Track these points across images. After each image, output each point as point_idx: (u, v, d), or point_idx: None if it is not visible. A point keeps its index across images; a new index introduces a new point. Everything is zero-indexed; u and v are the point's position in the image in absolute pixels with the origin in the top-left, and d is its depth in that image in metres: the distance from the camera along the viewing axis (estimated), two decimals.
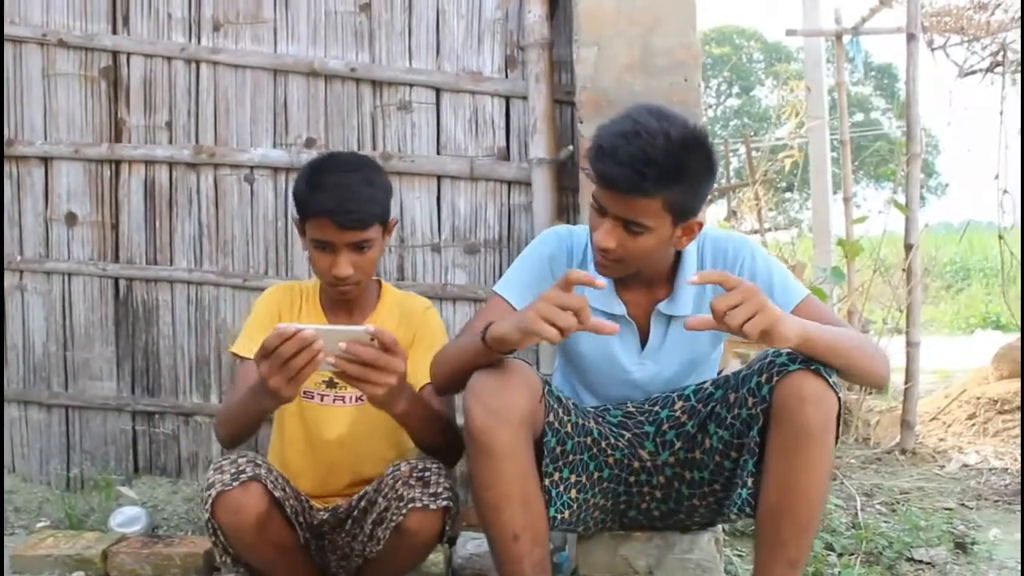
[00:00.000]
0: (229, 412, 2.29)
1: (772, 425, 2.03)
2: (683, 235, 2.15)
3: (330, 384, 2.45)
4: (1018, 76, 5.47)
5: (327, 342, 1.92)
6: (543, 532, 2.08)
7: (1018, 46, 5.64)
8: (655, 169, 1.99)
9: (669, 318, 2.29)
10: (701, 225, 2.18)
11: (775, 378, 2.02)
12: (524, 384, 2.05)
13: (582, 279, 1.90)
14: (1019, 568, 2.98)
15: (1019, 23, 5.53)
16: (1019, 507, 3.67)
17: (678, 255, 2.28)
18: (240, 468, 2.15)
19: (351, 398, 2.46)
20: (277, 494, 2.18)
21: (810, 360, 2.00)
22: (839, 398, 2.01)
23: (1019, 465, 4.19)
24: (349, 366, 1.94)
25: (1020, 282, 5.09)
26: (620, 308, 2.27)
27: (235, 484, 2.12)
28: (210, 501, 2.13)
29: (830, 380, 1.99)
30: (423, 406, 2.23)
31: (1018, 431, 4.62)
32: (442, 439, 2.29)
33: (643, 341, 2.32)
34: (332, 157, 2.46)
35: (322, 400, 2.46)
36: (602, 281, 1.92)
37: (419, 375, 2.33)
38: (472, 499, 2.10)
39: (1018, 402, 4.80)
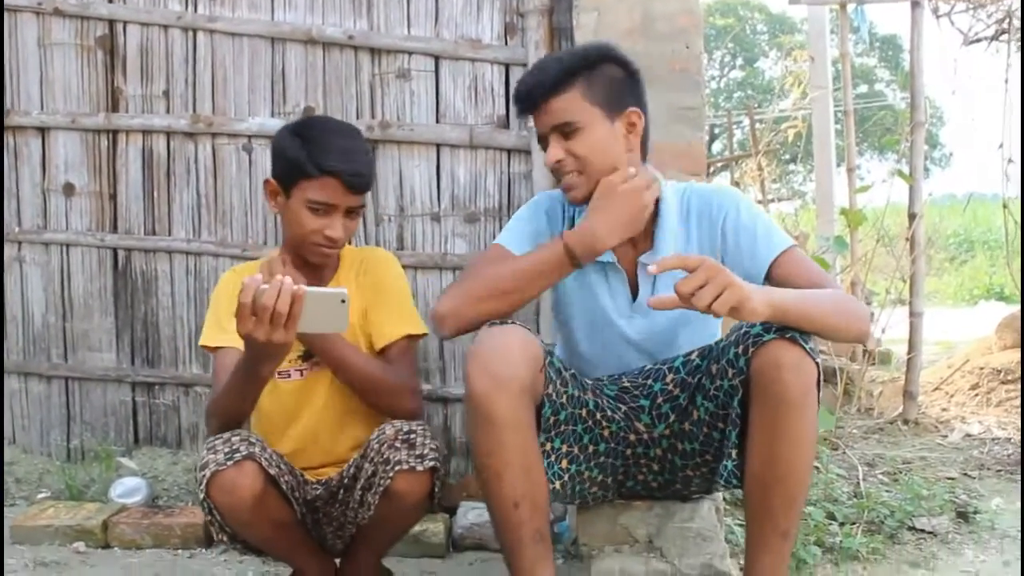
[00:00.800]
0: (221, 400, 2.24)
1: (752, 396, 2.01)
2: (628, 131, 2.20)
3: (305, 357, 2.43)
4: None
5: (334, 302, 1.93)
6: (543, 500, 2.07)
7: None
8: (555, 65, 2.19)
9: None
10: (640, 116, 2.22)
11: (751, 348, 2.00)
12: (527, 352, 2.03)
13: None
14: (1020, 537, 2.98)
15: None
16: (1020, 477, 3.66)
17: (658, 206, 2.25)
18: (234, 447, 2.13)
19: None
20: (272, 471, 2.16)
21: (785, 328, 1.98)
22: (817, 364, 1.99)
23: (1021, 435, 4.18)
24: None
25: (1020, 253, 5.06)
26: (609, 254, 2.25)
27: (229, 463, 2.10)
28: (204, 481, 2.11)
29: (807, 347, 1.96)
30: (352, 358, 2.33)
31: (1020, 401, 4.60)
32: (385, 403, 2.35)
33: (634, 295, 2.31)
34: (324, 120, 2.48)
35: (302, 375, 2.44)
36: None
37: (380, 333, 2.39)
38: (474, 465, 2.09)
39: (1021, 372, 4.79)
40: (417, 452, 2.16)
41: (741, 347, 2.02)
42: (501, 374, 1.98)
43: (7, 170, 3.54)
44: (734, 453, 2.09)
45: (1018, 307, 5.63)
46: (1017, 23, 5.45)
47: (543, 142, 2.21)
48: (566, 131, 2.15)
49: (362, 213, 2.42)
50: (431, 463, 2.17)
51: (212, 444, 2.16)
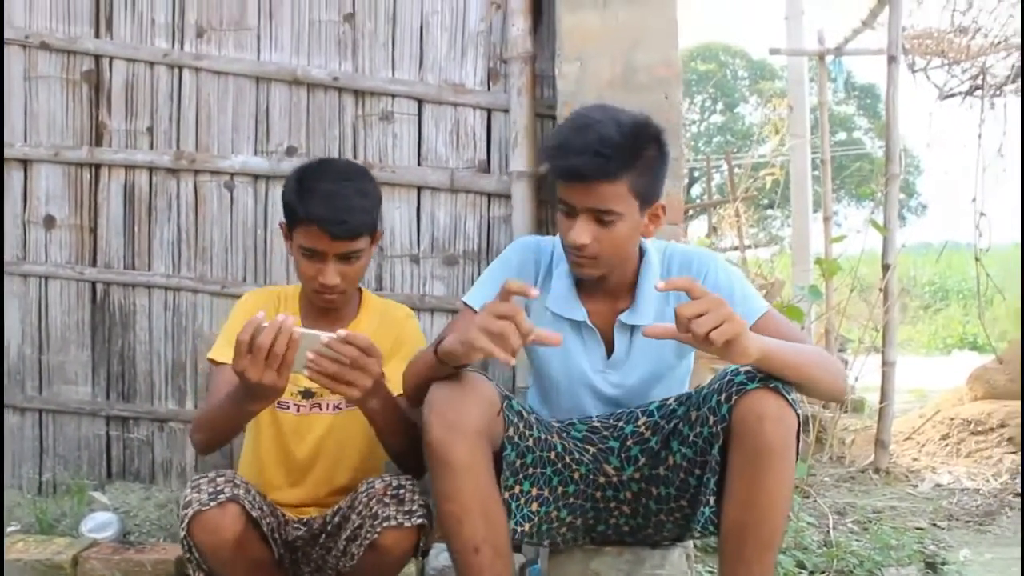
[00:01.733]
0: (208, 418, 2.27)
1: (732, 444, 2.04)
2: (650, 222, 2.20)
3: (306, 395, 2.45)
4: (996, 100, 5.52)
5: (305, 345, 1.94)
6: (504, 544, 2.09)
7: (997, 71, 5.70)
8: (614, 150, 2.06)
9: (632, 328, 2.30)
10: (664, 209, 2.23)
11: (734, 396, 2.03)
12: (480, 397, 2.06)
13: (517, 289, 1.92)
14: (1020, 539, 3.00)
15: (998, 49, 5.59)
16: (990, 528, 3.69)
17: (639, 264, 2.29)
18: (218, 488, 2.14)
19: (328, 406, 2.46)
20: (255, 513, 2.17)
21: (769, 378, 2.01)
22: (798, 415, 2.03)
23: (991, 486, 4.22)
24: (328, 364, 1.96)
25: (1020, 298, 5.13)
26: (581, 314, 2.29)
27: (212, 504, 2.11)
28: (187, 520, 2.12)
29: (789, 397, 2.01)
30: (395, 408, 2.24)
31: (990, 452, 4.65)
32: (410, 445, 2.28)
33: (608, 352, 2.33)
34: (325, 163, 2.45)
35: (298, 411, 2.46)
36: (536, 291, 1.94)
37: (397, 383, 2.33)
38: (435, 510, 2.11)
39: (991, 423, 4.84)
40: (405, 508, 2.17)
41: (724, 395, 2.05)
42: (456, 420, 2.01)
43: None
44: (712, 500, 2.11)
45: (989, 358, 5.69)
46: (991, 79, 5.56)
47: (569, 211, 2.14)
48: (603, 218, 2.11)
49: (367, 256, 2.40)
50: (419, 520, 2.18)
51: (196, 483, 2.17)
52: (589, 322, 2.30)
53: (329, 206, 2.26)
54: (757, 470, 2.00)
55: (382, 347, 2.35)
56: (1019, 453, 4.41)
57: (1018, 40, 5.58)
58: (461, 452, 2.00)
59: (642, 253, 2.30)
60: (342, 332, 1.96)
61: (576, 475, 2.27)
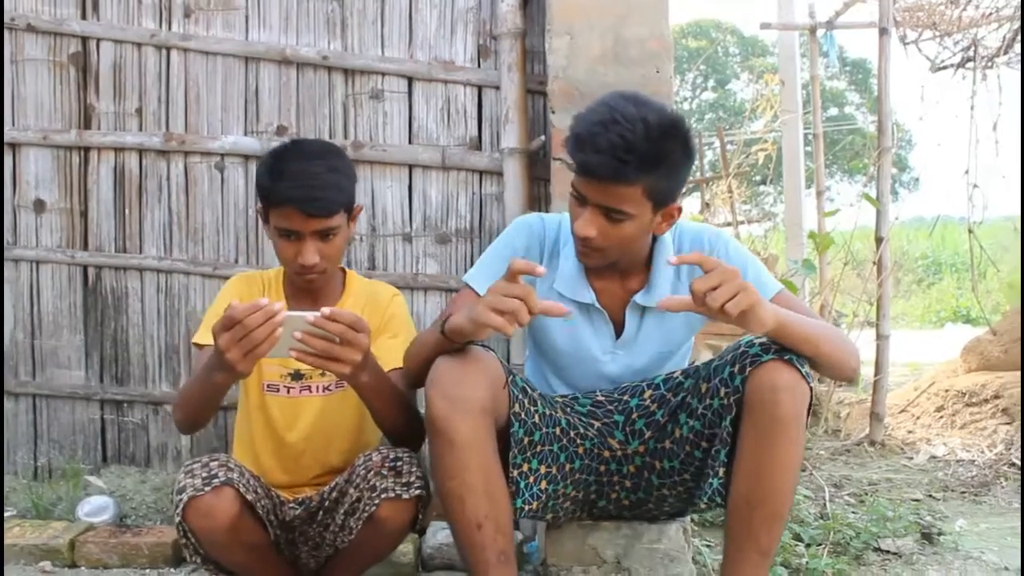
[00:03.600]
0: (185, 394, 2.27)
1: (745, 415, 2.04)
2: (663, 221, 2.16)
3: (295, 376, 2.44)
4: (988, 72, 5.50)
5: (290, 327, 1.93)
6: (506, 521, 2.09)
7: (988, 43, 5.69)
8: (635, 156, 2.00)
9: (643, 309, 2.29)
10: (680, 210, 2.19)
11: (748, 368, 2.03)
12: (485, 373, 2.05)
13: (524, 268, 1.91)
14: (984, 558, 3.01)
15: (989, 20, 5.57)
16: (985, 499, 3.71)
17: (653, 244, 2.28)
18: (212, 472, 2.14)
19: (319, 388, 2.46)
20: (249, 497, 2.17)
21: (783, 350, 2.01)
22: (811, 388, 2.03)
23: (986, 457, 4.23)
24: (316, 343, 1.95)
25: (1020, 273, 5.13)
26: (590, 296, 2.27)
27: (207, 489, 2.11)
28: (181, 505, 2.12)
29: (803, 370, 2.01)
30: (388, 384, 2.23)
31: (985, 424, 4.66)
32: (405, 421, 2.28)
33: (617, 332, 2.32)
34: (295, 144, 2.42)
35: (288, 392, 2.45)
36: (542, 269, 1.93)
37: (386, 360, 2.33)
38: (437, 488, 2.10)
39: (986, 395, 4.85)
40: (403, 480, 2.18)
41: (737, 366, 2.05)
42: (459, 396, 2.00)
43: None
44: (721, 471, 2.11)
45: (982, 330, 5.70)
46: (983, 51, 5.54)
47: (580, 200, 2.11)
48: (612, 216, 2.08)
49: (345, 233, 2.38)
50: (417, 492, 2.18)
51: (190, 468, 2.17)
52: (598, 304, 2.28)
53: (301, 185, 2.25)
54: (769, 442, 2.00)
55: (370, 325, 2.36)
56: (1016, 424, 4.42)
57: (1009, 11, 5.57)
58: (465, 429, 1.99)
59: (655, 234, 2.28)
60: (326, 310, 1.95)
61: (581, 450, 2.26)
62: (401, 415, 2.27)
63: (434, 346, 2.10)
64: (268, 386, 2.44)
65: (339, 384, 2.40)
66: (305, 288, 2.43)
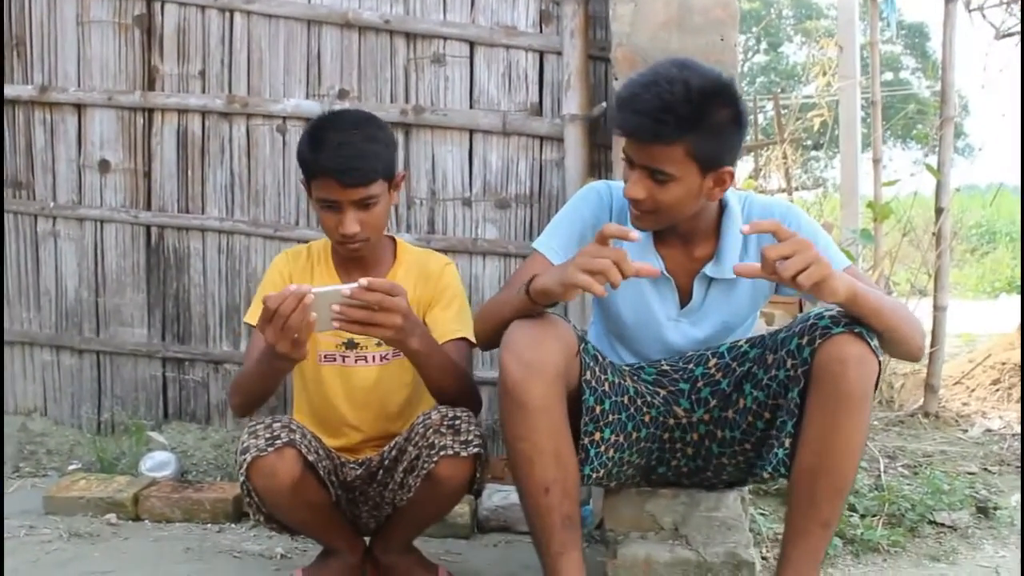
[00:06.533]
0: (242, 381, 2.32)
1: (812, 387, 2.04)
2: (715, 186, 2.14)
3: (350, 345, 2.45)
4: None
5: (326, 302, 1.98)
6: (573, 486, 2.10)
7: None
8: (672, 116, 2.00)
9: (710, 280, 2.29)
10: (732, 175, 2.16)
11: (817, 340, 2.02)
12: (559, 338, 2.06)
13: (617, 232, 1.93)
14: (1020, 527, 3.00)
15: None
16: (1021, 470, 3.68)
17: (721, 213, 2.27)
18: (275, 433, 2.18)
19: (374, 357, 2.47)
20: (311, 457, 2.21)
21: (853, 323, 2.00)
22: (880, 362, 2.02)
23: (1020, 429, 4.20)
24: (355, 312, 2.00)
25: (1020, 244, 5.06)
26: (658, 263, 2.27)
27: (270, 450, 2.15)
28: (245, 465, 2.17)
29: (872, 344, 2.00)
30: (438, 350, 2.26)
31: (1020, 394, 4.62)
32: (458, 390, 2.30)
33: (683, 301, 2.32)
34: (333, 115, 2.43)
35: (344, 362, 2.47)
36: (637, 234, 1.95)
37: (441, 331, 2.36)
38: (506, 451, 2.12)
39: None
40: (462, 438, 2.20)
41: (806, 338, 2.05)
42: (534, 361, 2.02)
43: (44, 146, 3.58)
44: (787, 442, 2.11)
45: None
46: None
47: (629, 163, 2.12)
48: (657, 177, 2.07)
49: (386, 202, 2.38)
50: (475, 449, 2.21)
51: (254, 428, 2.20)
52: (666, 272, 2.28)
53: (337, 155, 2.27)
54: (836, 415, 2.00)
55: (422, 297, 2.38)
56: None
57: None
58: (538, 393, 2.01)
59: (724, 205, 2.27)
60: (363, 281, 1.99)
61: (647, 418, 2.27)
62: (454, 384, 2.29)
63: (516, 308, 2.11)
64: (325, 356, 2.47)
65: (396, 353, 2.41)
66: (352, 258, 2.44)
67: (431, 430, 2.21)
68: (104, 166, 3.56)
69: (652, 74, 2.05)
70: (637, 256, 2.24)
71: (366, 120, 2.40)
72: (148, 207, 3.56)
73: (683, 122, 2.01)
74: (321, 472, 2.26)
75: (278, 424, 2.22)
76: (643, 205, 2.12)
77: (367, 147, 2.31)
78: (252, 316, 2.44)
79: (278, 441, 2.17)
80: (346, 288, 2.00)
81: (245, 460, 2.17)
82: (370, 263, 2.47)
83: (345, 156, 2.27)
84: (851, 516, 3.00)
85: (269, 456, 2.15)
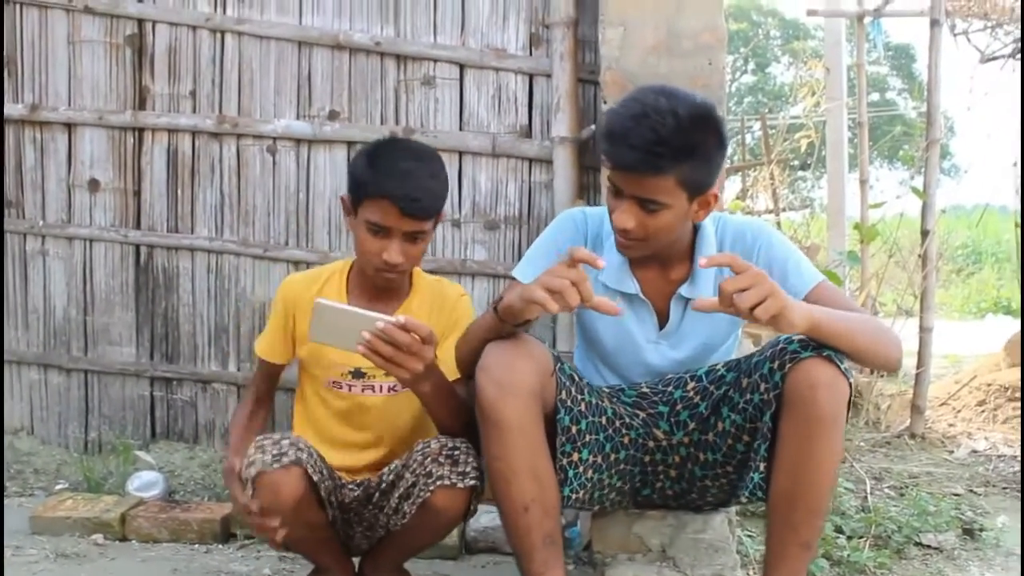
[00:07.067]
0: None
1: (784, 411, 2.06)
2: (700, 208, 2.17)
3: (356, 375, 2.44)
4: None
5: (359, 325, 2.00)
6: (553, 504, 2.12)
7: None
8: (667, 148, 2.02)
9: (687, 301, 2.30)
10: (717, 197, 2.20)
11: (787, 365, 2.04)
12: (533, 358, 2.09)
13: (584, 258, 1.94)
14: (1020, 550, 3.02)
15: None
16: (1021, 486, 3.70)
17: (694, 235, 2.29)
18: (282, 450, 2.17)
19: (382, 387, 2.46)
20: (315, 477, 2.21)
21: (822, 346, 2.02)
22: (850, 384, 2.04)
23: (1021, 446, 4.21)
24: (382, 347, 2.01)
25: (1019, 267, 5.09)
26: (634, 287, 2.29)
27: (276, 466, 2.14)
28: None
29: (841, 366, 2.02)
30: (449, 391, 2.26)
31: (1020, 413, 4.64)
32: (462, 424, 2.29)
33: (661, 323, 2.34)
34: (399, 141, 2.43)
35: (350, 390, 2.47)
36: (602, 261, 1.97)
37: (452, 365, 2.34)
38: (487, 472, 2.14)
39: None
40: (460, 469, 2.20)
41: (777, 362, 2.06)
42: (509, 380, 2.04)
43: (34, 165, 3.59)
44: (762, 466, 2.13)
45: None
46: None
47: (616, 193, 2.14)
48: (648, 207, 2.09)
49: (428, 238, 2.37)
50: (472, 482, 2.21)
51: (261, 444, 2.20)
52: (642, 295, 2.30)
53: (404, 183, 2.24)
54: (808, 438, 2.01)
55: (435, 327, 2.30)
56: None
57: None
58: (512, 412, 2.03)
59: (697, 226, 2.29)
60: (401, 319, 2.01)
61: (626, 440, 2.29)
62: (459, 421, 2.29)
63: (488, 329, 2.14)
64: (332, 382, 2.46)
65: (403, 386, 2.41)
66: (375, 285, 2.41)
67: (429, 459, 2.22)
68: (94, 185, 3.56)
69: (638, 105, 2.06)
70: (613, 279, 2.27)
71: (431, 155, 2.39)
72: (137, 226, 3.56)
73: (677, 153, 2.03)
74: (322, 492, 2.26)
75: (286, 441, 2.21)
76: (633, 234, 2.14)
77: (432, 183, 2.30)
78: (261, 348, 2.50)
79: (285, 458, 2.16)
80: (381, 321, 2.01)
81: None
82: (388, 290, 2.44)
83: (411, 186, 2.24)
84: (838, 538, 3.01)
85: (275, 472, 2.15)
